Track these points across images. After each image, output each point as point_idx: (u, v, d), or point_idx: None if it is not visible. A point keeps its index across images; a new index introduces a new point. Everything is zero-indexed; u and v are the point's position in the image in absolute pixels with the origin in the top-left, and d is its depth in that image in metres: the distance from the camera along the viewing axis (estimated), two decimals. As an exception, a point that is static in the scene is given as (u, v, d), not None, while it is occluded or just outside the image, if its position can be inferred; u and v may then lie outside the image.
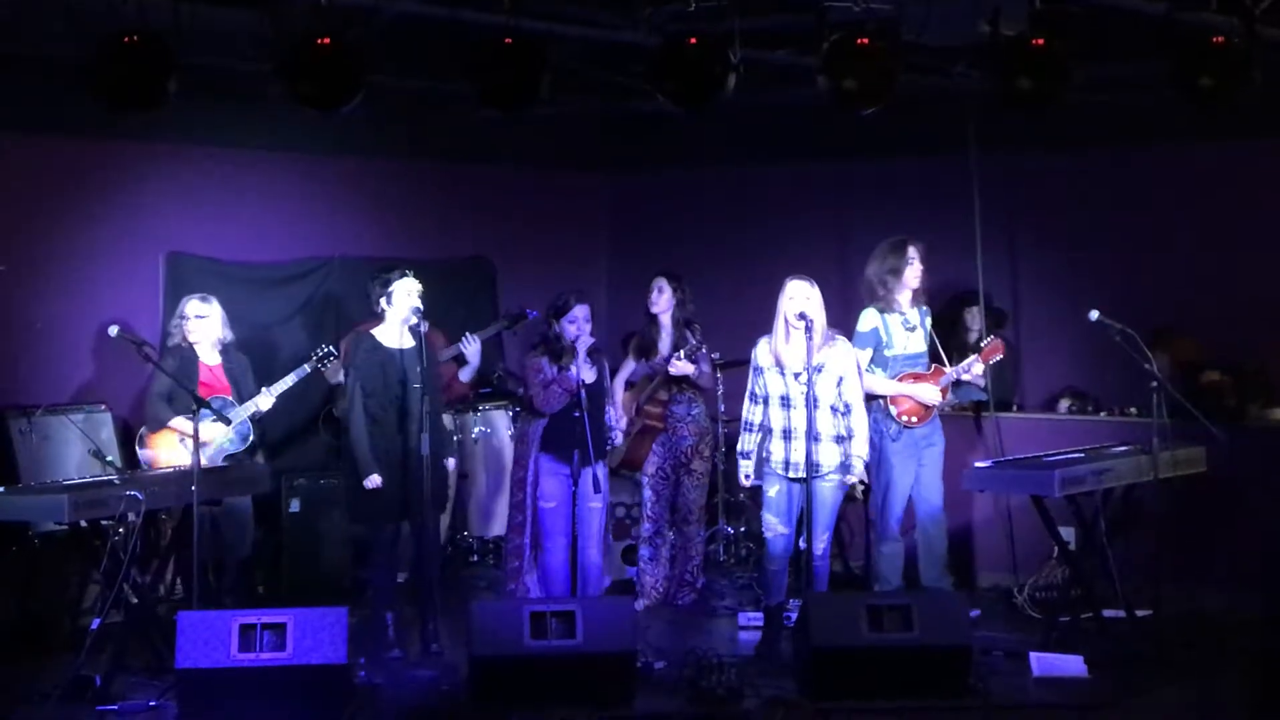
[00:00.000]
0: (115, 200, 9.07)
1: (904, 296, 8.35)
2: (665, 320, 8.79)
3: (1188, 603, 8.16)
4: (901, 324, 8.36)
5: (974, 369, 8.40)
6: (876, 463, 8.29)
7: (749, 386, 7.90)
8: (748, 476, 7.88)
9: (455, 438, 9.37)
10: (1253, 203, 9.19)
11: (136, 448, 8.34)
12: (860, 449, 7.75)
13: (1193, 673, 7.39)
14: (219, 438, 8.14)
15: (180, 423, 8.06)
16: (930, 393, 8.29)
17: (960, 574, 8.82)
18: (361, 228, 10.09)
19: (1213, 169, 9.30)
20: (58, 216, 8.81)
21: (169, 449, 8.16)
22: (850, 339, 8.04)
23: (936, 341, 8.42)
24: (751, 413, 7.86)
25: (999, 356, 8.54)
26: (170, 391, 8.00)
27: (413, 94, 8.90)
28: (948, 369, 8.35)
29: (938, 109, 9.17)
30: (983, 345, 8.51)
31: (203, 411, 7.58)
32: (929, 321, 8.48)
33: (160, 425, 8.19)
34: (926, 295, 8.47)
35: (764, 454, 7.80)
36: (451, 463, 8.16)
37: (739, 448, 7.91)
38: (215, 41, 7.47)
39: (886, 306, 8.35)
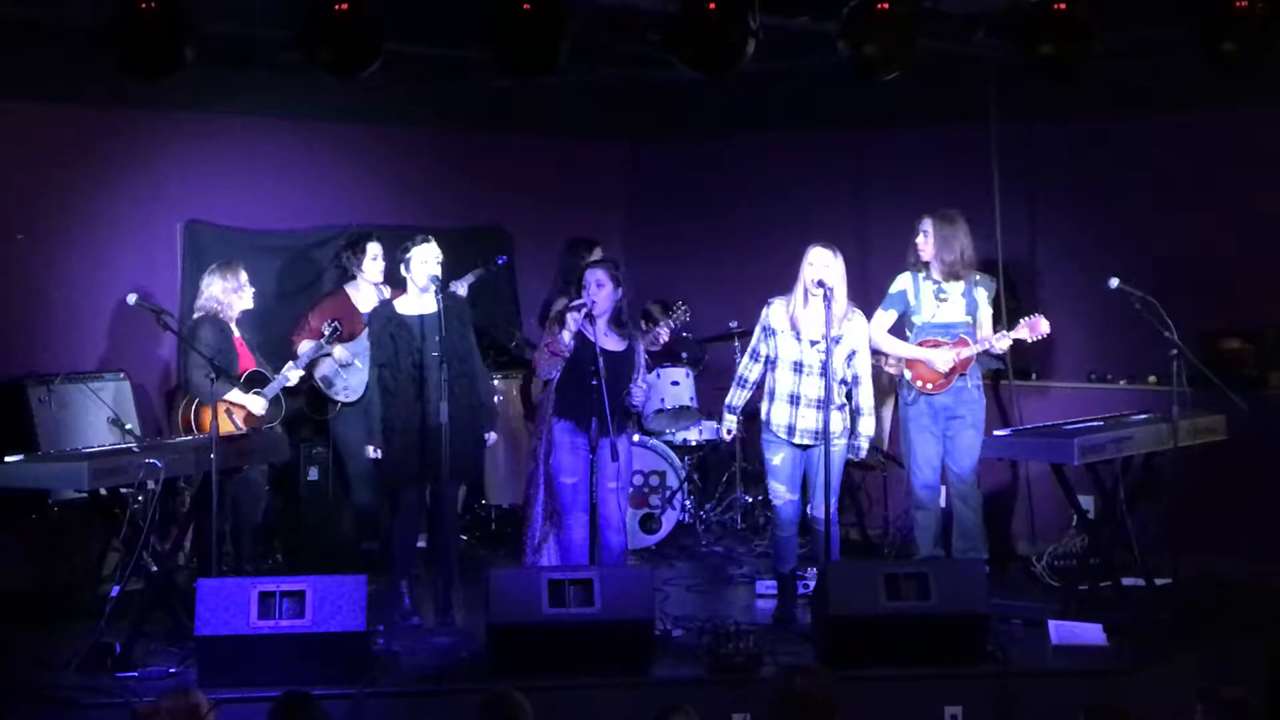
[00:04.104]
0: (133, 169, 9.07)
1: (935, 267, 8.25)
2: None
3: (1207, 570, 8.16)
4: (934, 292, 8.25)
5: (1001, 343, 8.22)
6: (902, 429, 8.30)
7: (751, 344, 7.88)
8: (730, 430, 7.88)
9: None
10: (1277, 169, 9.12)
11: (182, 420, 8.11)
12: (867, 427, 7.76)
13: (1211, 641, 7.39)
14: (260, 404, 8.22)
15: (239, 395, 8.14)
16: (942, 359, 8.18)
17: (998, 546, 8.75)
18: (378, 195, 10.07)
19: (1236, 135, 9.22)
20: (76, 185, 8.81)
21: (224, 425, 8.12)
22: (870, 309, 8.04)
23: (981, 310, 8.24)
24: (749, 369, 7.85)
25: (1038, 336, 8.22)
26: (212, 365, 7.87)
27: (430, 61, 8.86)
28: (973, 341, 8.24)
29: (958, 76, 9.11)
30: (1021, 320, 8.28)
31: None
32: (981, 293, 8.23)
33: (215, 398, 7.97)
34: (957, 269, 8.21)
35: (765, 420, 7.78)
36: (491, 436, 8.15)
37: (728, 401, 7.89)
38: (233, 7, 7.45)
39: (926, 273, 8.27)
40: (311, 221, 9.76)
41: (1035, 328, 8.22)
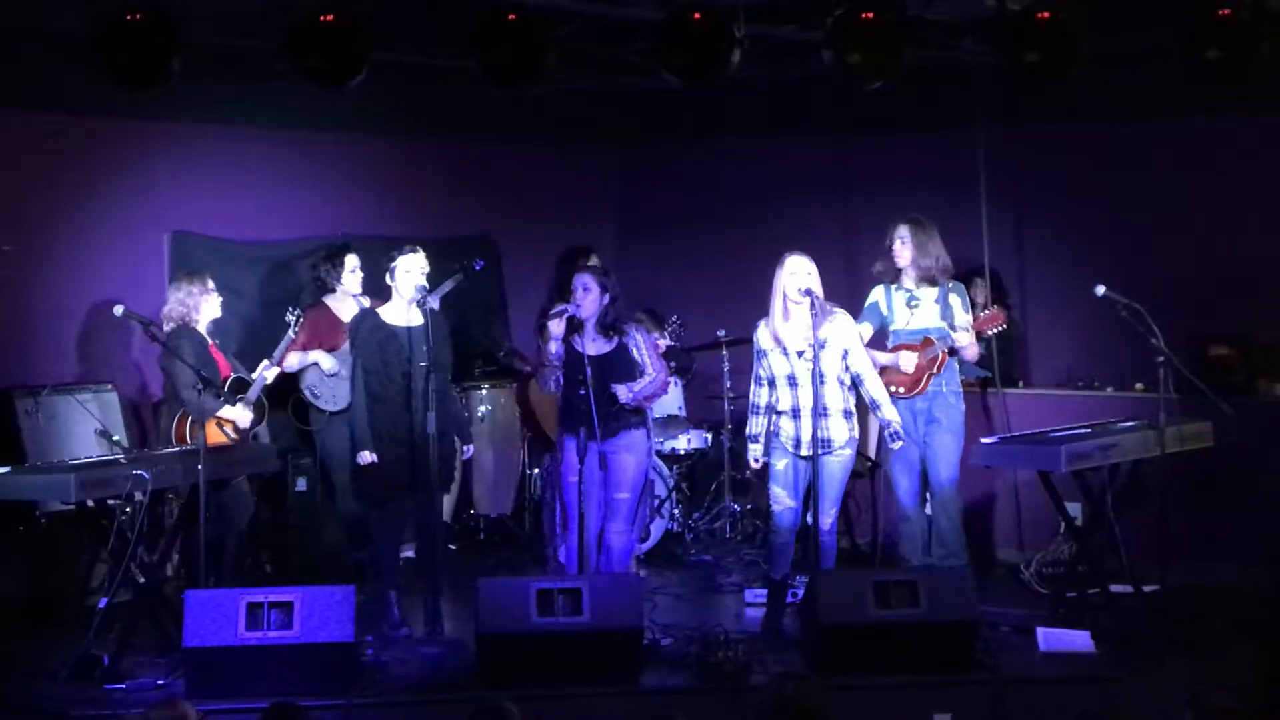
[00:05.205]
0: (120, 179, 9.05)
1: (906, 274, 8.33)
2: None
3: (1194, 577, 8.15)
4: (905, 300, 8.35)
5: (960, 338, 8.27)
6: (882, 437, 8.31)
7: (754, 370, 7.89)
8: (756, 460, 7.87)
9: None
10: (1262, 176, 9.15)
11: (175, 433, 8.01)
12: (891, 413, 7.75)
13: (1200, 647, 7.39)
14: (247, 417, 8.19)
15: (230, 411, 8.12)
16: (906, 361, 8.22)
17: (977, 552, 8.74)
18: (366, 206, 10.06)
19: (1221, 142, 9.26)
20: (63, 195, 8.80)
21: (213, 436, 8.12)
22: (859, 316, 8.07)
23: (956, 316, 8.29)
24: (757, 395, 7.84)
25: (999, 327, 8.38)
26: (199, 376, 7.76)
27: (417, 70, 8.87)
28: (937, 340, 8.26)
29: (944, 84, 9.13)
30: (980, 314, 8.41)
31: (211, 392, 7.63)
32: (955, 299, 8.33)
33: (209, 415, 7.97)
34: (932, 273, 8.30)
35: (773, 429, 7.79)
36: (469, 449, 8.16)
37: (749, 431, 7.88)
38: (219, 18, 7.45)
39: (895, 283, 8.35)
40: (299, 232, 9.75)
41: (993, 320, 8.30)
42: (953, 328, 8.28)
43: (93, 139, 8.95)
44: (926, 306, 8.32)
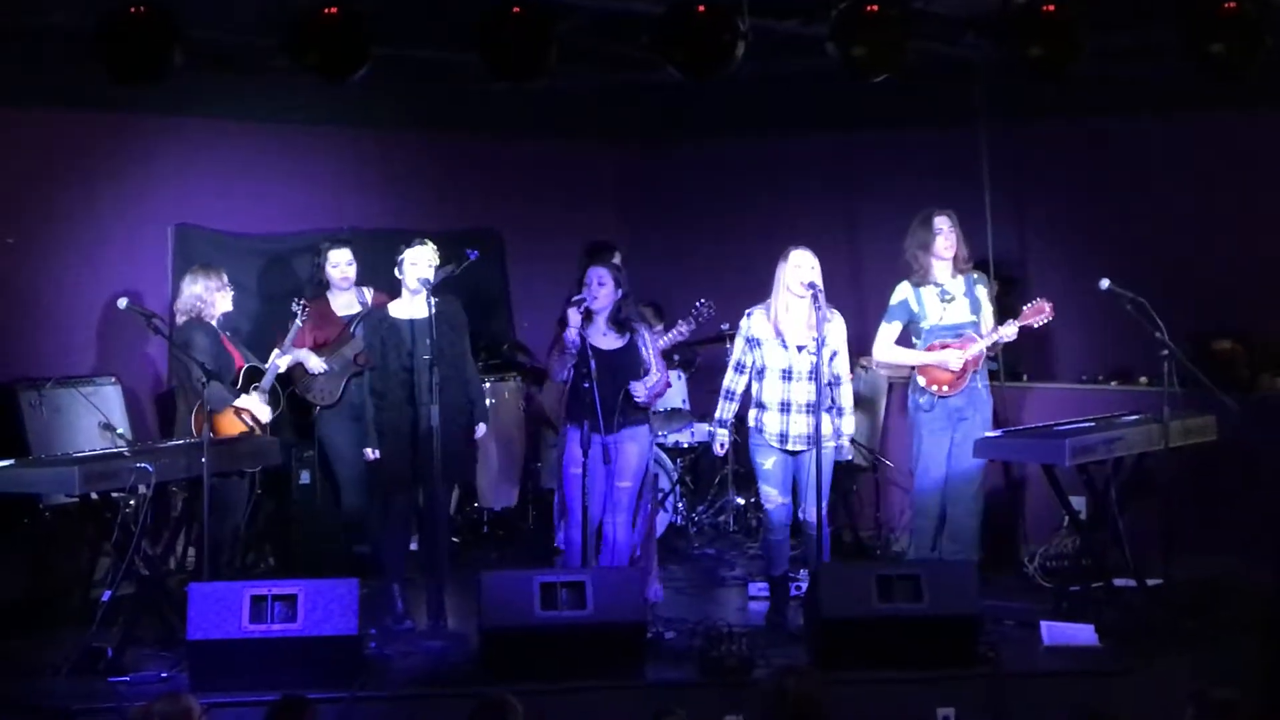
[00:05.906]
0: (123, 173, 9.06)
1: (940, 268, 8.22)
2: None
3: (1198, 571, 8.15)
4: (937, 295, 8.22)
5: (1005, 331, 8.14)
6: (909, 433, 8.26)
7: (734, 357, 7.88)
8: (723, 445, 7.89)
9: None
10: (1266, 171, 9.14)
11: (195, 424, 8.02)
12: (849, 426, 7.76)
13: (1203, 641, 7.40)
14: (265, 411, 8.24)
15: (247, 401, 8.18)
16: (953, 358, 8.14)
17: (995, 550, 8.71)
18: (369, 200, 10.07)
19: (1224, 137, 9.24)
20: (66, 189, 8.81)
21: (232, 425, 8.18)
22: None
23: (983, 308, 8.23)
24: (735, 383, 7.84)
25: (1044, 319, 8.20)
26: (204, 370, 7.76)
27: (420, 64, 8.87)
28: (979, 336, 8.21)
29: (947, 78, 9.11)
30: (1025, 307, 8.25)
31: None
32: (981, 290, 8.27)
33: (221, 406, 8.08)
34: (970, 263, 8.29)
35: (756, 426, 7.78)
36: (481, 428, 8.09)
37: (718, 416, 7.89)
38: (221, 12, 7.45)
39: (921, 280, 8.24)
40: (302, 226, 9.75)
41: (1040, 311, 8.19)
42: (980, 319, 8.19)
43: (96, 133, 8.95)
44: (959, 300, 8.22)
